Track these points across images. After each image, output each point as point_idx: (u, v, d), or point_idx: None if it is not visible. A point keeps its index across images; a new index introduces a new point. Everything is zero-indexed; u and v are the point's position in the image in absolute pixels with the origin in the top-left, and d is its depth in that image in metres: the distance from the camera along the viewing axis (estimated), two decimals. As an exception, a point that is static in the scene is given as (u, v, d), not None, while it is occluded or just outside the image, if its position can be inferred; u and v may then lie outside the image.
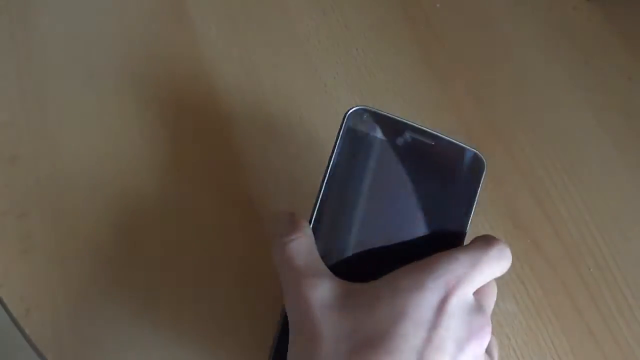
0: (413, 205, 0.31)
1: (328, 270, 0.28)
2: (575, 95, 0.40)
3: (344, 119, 0.32)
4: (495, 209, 0.37)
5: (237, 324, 0.35)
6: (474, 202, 0.33)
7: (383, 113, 0.32)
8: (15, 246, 0.37)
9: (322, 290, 0.27)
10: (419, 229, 0.30)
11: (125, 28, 0.43)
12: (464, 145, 0.34)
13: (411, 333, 0.25)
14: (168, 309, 0.35)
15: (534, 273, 0.36)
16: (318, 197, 0.30)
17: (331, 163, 0.31)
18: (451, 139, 0.34)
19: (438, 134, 0.33)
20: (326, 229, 0.30)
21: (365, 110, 0.32)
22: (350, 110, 0.32)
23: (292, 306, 0.27)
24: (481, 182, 0.33)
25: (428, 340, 0.25)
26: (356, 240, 0.29)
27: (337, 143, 0.31)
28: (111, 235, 0.37)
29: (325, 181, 0.30)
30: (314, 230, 0.30)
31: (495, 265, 0.28)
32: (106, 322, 0.35)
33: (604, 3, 0.43)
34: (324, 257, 0.29)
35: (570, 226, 0.37)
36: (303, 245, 0.29)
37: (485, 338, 0.26)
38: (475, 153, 0.34)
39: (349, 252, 0.29)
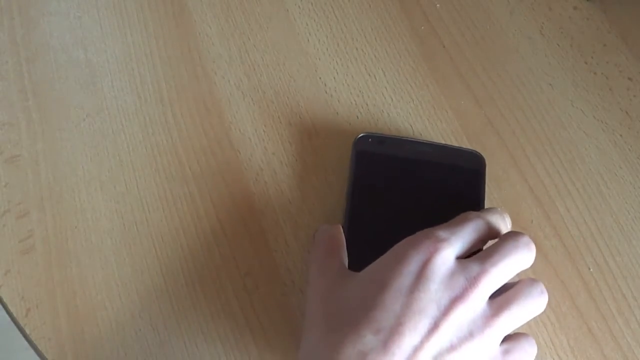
0: (427, 208, 0.33)
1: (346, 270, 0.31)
2: (575, 95, 0.40)
3: (353, 146, 0.37)
4: (495, 209, 0.37)
5: (237, 324, 0.35)
6: (483, 196, 0.35)
7: (384, 135, 0.37)
8: (15, 246, 0.37)
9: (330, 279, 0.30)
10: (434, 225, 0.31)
11: (125, 28, 0.43)
12: (461, 148, 0.37)
13: (390, 300, 0.26)
14: (168, 308, 0.35)
15: (534, 273, 0.36)
16: (345, 210, 0.35)
17: (349, 183, 0.36)
18: (449, 145, 0.37)
19: (436, 143, 0.37)
20: (353, 234, 0.34)
21: (369, 135, 0.37)
22: (357, 137, 0.37)
23: (309, 297, 0.31)
24: (485, 176, 0.36)
25: (406, 305, 0.26)
26: (378, 242, 0.30)
27: (351, 166, 0.36)
28: (111, 235, 0.37)
29: (347, 198, 0.35)
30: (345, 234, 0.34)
31: (473, 232, 0.29)
32: (106, 322, 0.35)
33: (604, 3, 0.43)
34: (350, 254, 0.32)
35: (570, 226, 0.37)
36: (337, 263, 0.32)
37: (468, 299, 0.26)
38: (473, 152, 0.37)
39: (372, 252, 0.30)
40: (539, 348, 0.30)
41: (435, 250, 0.27)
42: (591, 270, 0.36)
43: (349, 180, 0.36)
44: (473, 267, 0.27)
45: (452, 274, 0.27)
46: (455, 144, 0.39)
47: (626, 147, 0.39)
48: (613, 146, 0.39)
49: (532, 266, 0.36)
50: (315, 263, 0.32)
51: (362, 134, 0.37)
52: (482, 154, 0.37)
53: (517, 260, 0.28)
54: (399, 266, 0.27)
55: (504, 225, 0.31)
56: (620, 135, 0.39)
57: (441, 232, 0.28)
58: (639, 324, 0.34)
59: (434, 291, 0.26)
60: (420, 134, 0.39)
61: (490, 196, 0.38)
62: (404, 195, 0.35)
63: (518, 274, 0.29)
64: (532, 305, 0.28)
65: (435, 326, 0.25)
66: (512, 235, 0.29)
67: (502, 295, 0.28)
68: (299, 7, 0.44)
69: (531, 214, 0.37)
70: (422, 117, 0.40)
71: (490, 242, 0.30)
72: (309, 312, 0.30)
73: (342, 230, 0.33)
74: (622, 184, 0.38)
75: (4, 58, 0.42)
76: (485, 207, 0.36)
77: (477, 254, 0.29)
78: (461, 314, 0.26)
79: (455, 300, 0.26)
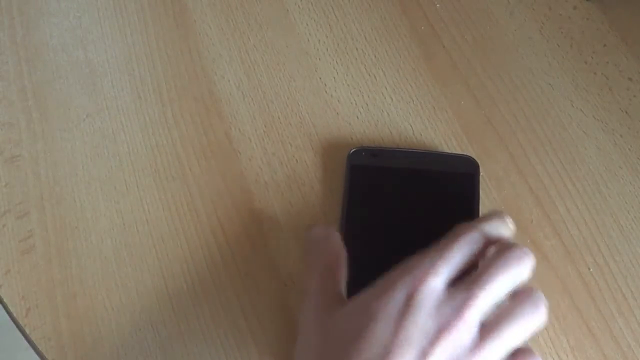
0: (423, 215, 0.33)
1: (341, 295, 0.31)
2: (575, 95, 0.40)
3: (347, 160, 0.37)
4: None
5: (236, 324, 0.35)
6: (477, 199, 0.36)
7: (377, 147, 0.38)
8: (15, 246, 0.37)
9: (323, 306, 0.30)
10: (431, 236, 0.30)
11: (125, 28, 0.43)
12: (454, 154, 0.38)
13: (379, 330, 0.26)
14: (168, 308, 0.35)
15: (534, 273, 0.36)
16: (341, 224, 0.35)
17: (345, 197, 0.36)
18: (441, 152, 0.38)
19: (428, 151, 0.38)
20: (349, 246, 0.33)
21: (362, 149, 0.37)
22: (350, 152, 0.37)
23: (303, 316, 0.31)
24: (479, 180, 0.36)
25: (394, 335, 0.26)
26: (375, 253, 0.31)
27: (346, 180, 0.36)
28: (111, 235, 0.37)
29: (343, 211, 0.35)
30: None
31: (466, 248, 0.28)
32: (106, 322, 0.35)
33: (604, 3, 0.43)
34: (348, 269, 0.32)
35: (570, 226, 0.37)
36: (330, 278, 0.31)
37: (455, 329, 0.26)
38: (465, 156, 0.37)
39: (369, 264, 0.30)
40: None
41: (420, 283, 0.27)
42: (591, 270, 0.36)
43: (345, 194, 0.36)
44: (460, 294, 0.27)
45: (439, 304, 0.26)
46: (455, 144, 0.39)
47: (626, 147, 0.39)
48: (613, 146, 0.39)
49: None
50: (314, 279, 0.31)
51: (354, 149, 0.37)
52: (476, 157, 0.37)
53: (508, 278, 0.27)
54: (386, 298, 0.27)
55: (505, 227, 0.30)
56: (620, 135, 0.39)
57: (428, 261, 0.28)
58: (639, 324, 0.34)
59: (422, 322, 0.26)
60: (420, 134, 0.39)
61: (490, 196, 0.38)
62: (399, 205, 0.36)
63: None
64: (525, 325, 0.27)
65: (423, 355, 0.25)
66: (503, 251, 0.28)
67: (493, 318, 0.27)
68: (299, 7, 0.44)
69: (531, 214, 0.37)
70: (422, 117, 0.40)
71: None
72: (300, 340, 0.30)
73: (343, 245, 0.32)
74: (622, 184, 0.38)
75: (4, 58, 0.42)
76: (480, 209, 0.36)
77: (467, 278, 0.28)
78: (449, 343, 0.26)
79: (442, 330, 0.26)
